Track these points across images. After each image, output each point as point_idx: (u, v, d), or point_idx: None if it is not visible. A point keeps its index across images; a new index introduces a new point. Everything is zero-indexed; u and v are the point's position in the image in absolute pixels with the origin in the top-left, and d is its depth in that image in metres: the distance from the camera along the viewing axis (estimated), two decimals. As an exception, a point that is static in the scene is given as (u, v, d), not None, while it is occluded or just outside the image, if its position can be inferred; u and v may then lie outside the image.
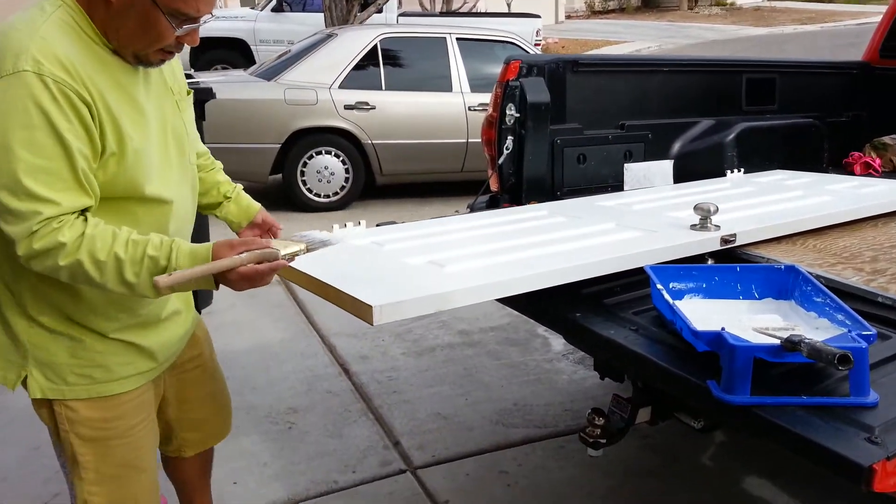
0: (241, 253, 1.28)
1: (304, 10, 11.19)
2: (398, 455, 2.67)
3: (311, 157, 5.95)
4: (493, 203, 2.58)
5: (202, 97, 3.66)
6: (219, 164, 1.79)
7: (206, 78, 5.71)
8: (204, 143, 1.78)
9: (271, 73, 6.02)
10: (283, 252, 1.33)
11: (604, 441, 1.90)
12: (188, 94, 1.58)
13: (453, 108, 6.08)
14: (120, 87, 1.33)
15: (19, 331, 1.41)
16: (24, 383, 1.44)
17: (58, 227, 1.23)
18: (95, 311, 1.41)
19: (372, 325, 1.40)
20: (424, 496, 2.43)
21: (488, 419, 2.90)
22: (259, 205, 1.80)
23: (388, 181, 6.25)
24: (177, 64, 1.56)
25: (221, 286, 1.33)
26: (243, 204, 1.77)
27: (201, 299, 3.71)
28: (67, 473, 1.57)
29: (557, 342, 3.59)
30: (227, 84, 5.74)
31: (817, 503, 2.39)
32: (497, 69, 6.78)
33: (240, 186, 1.81)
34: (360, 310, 1.42)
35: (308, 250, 1.41)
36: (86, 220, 1.27)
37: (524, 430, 2.82)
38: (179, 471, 1.91)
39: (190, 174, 1.56)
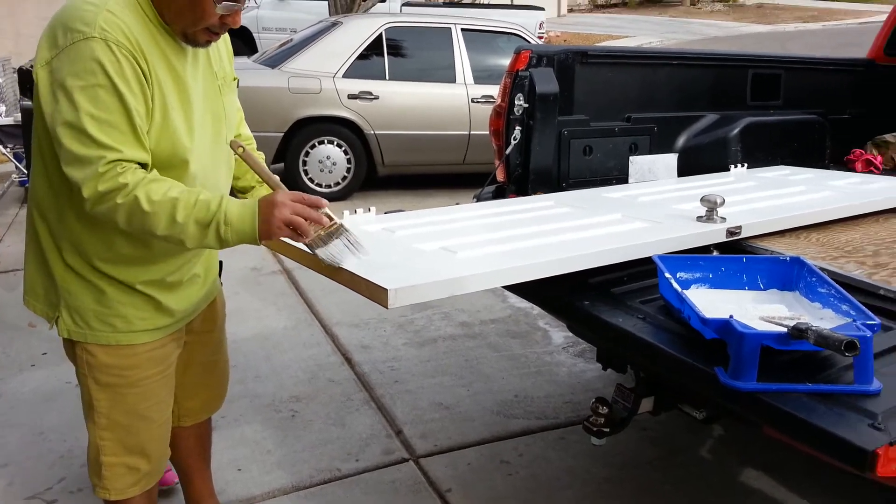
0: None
1: (307, -1, 11.16)
2: (400, 444, 2.69)
3: (313, 147, 5.96)
4: (500, 193, 2.59)
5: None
6: (259, 154, 1.87)
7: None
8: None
9: (276, 61, 6.02)
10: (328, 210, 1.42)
11: (607, 430, 1.93)
12: (234, 80, 1.71)
13: (457, 100, 6.09)
14: (169, 63, 1.45)
15: (56, 274, 1.54)
16: (57, 323, 1.58)
17: (121, 172, 1.35)
18: (127, 262, 1.53)
19: (387, 308, 1.41)
20: (427, 484, 2.45)
21: (489, 410, 2.93)
22: None
23: (389, 172, 6.26)
24: (226, 51, 1.70)
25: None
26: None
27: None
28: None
29: (558, 335, 3.62)
30: (231, 72, 5.74)
31: (814, 498, 2.42)
32: (501, 61, 6.78)
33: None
34: (375, 293, 1.44)
35: (341, 231, 1.44)
36: (147, 172, 1.40)
37: (525, 421, 2.84)
38: (178, 445, 1.95)
39: (224, 154, 1.65)
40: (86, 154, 1.34)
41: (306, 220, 1.39)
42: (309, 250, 1.46)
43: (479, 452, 2.64)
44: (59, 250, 1.53)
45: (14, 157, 6.33)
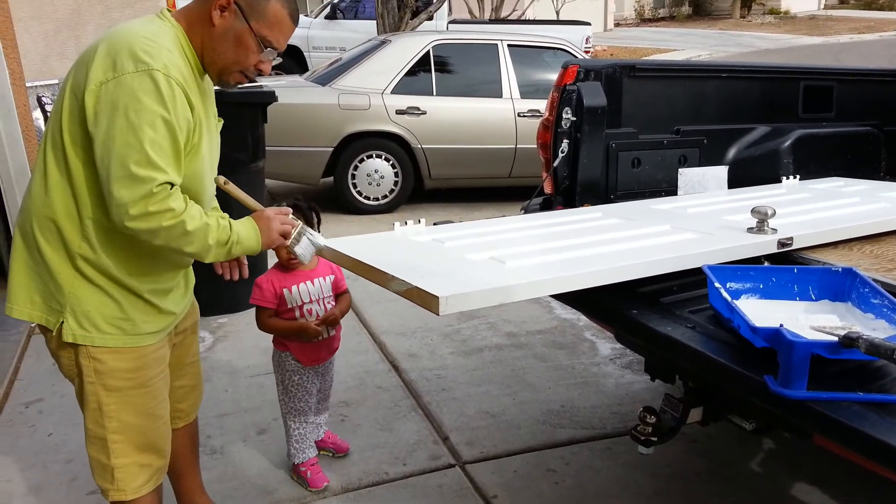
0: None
1: (356, 18, 11.40)
2: (447, 450, 2.73)
3: (361, 161, 6.08)
4: (547, 205, 2.63)
5: (266, 100, 3.80)
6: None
7: (264, 82, 5.90)
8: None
9: (326, 79, 6.17)
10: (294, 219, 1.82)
11: (655, 439, 1.93)
12: (219, 120, 1.88)
13: (503, 114, 6.14)
14: (200, 100, 1.64)
15: (63, 280, 1.61)
16: (60, 330, 1.63)
17: (170, 194, 1.51)
18: (140, 273, 1.66)
19: (438, 314, 1.46)
20: (473, 490, 2.48)
21: (535, 419, 2.95)
22: None
23: (436, 185, 6.34)
24: (212, 94, 1.83)
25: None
26: None
27: (246, 304, 3.84)
28: (86, 426, 1.73)
29: (605, 346, 3.61)
30: (284, 88, 5.91)
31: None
32: (547, 76, 6.78)
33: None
34: (427, 301, 1.49)
35: (304, 230, 1.82)
36: (185, 197, 1.56)
37: (571, 431, 2.85)
38: (172, 446, 2.00)
39: (213, 187, 1.83)
40: (141, 173, 1.46)
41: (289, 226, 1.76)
42: (289, 249, 1.80)
43: (526, 460, 2.66)
44: (69, 258, 1.61)
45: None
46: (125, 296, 1.65)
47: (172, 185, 1.51)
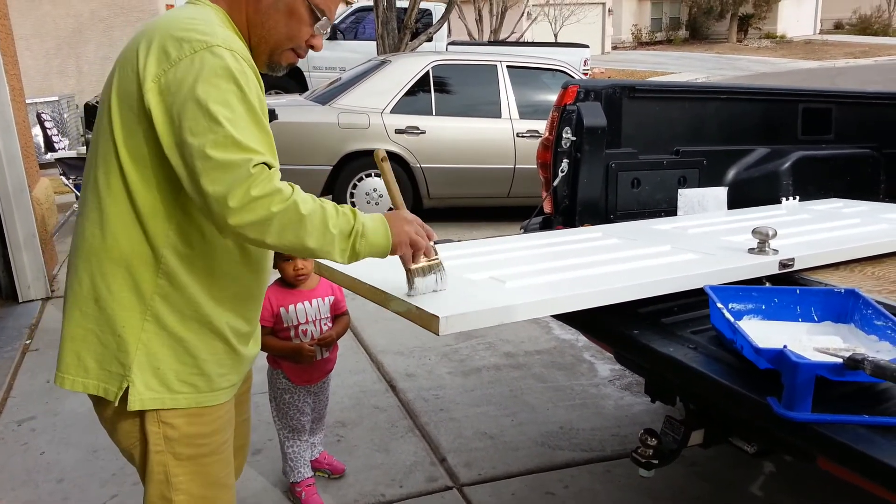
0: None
1: (356, 39, 11.49)
2: (444, 472, 2.69)
3: (360, 180, 6.09)
4: (546, 225, 2.62)
5: (265, 118, 3.81)
6: None
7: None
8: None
9: (326, 98, 6.20)
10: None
11: (656, 462, 1.90)
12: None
13: (502, 134, 6.16)
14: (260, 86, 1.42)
15: (129, 332, 1.37)
16: (123, 396, 1.38)
17: (272, 173, 1.26)
18: (223, 301, 1.42)
19: (438, 335, 1.44)
20: (471, 513, 2.45)
21: (534, 440, 2.92)
22: None
23: (434, 204, 6.34)
24: None
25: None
26: None
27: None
28: (148, 499, 1.49)
29: (604, 367, 3.59)
30: (284, 107, 5.94)
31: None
32: (546, 96, 6.80)
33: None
34: (426, 321, 1.47)
35: (439, 268, 1.49)
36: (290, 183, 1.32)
37: (570, 453, 2.82)
38: None
39: None
40: (231, 158, 1.22)
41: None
42: (406, 277, 1.47)
43: (524, 483, 2.62)
44: (140, 303, 1.37)
45: (76, 188, 6.63)
46: (203, 340, 1.41)
47: (270, 166, 1.27)
